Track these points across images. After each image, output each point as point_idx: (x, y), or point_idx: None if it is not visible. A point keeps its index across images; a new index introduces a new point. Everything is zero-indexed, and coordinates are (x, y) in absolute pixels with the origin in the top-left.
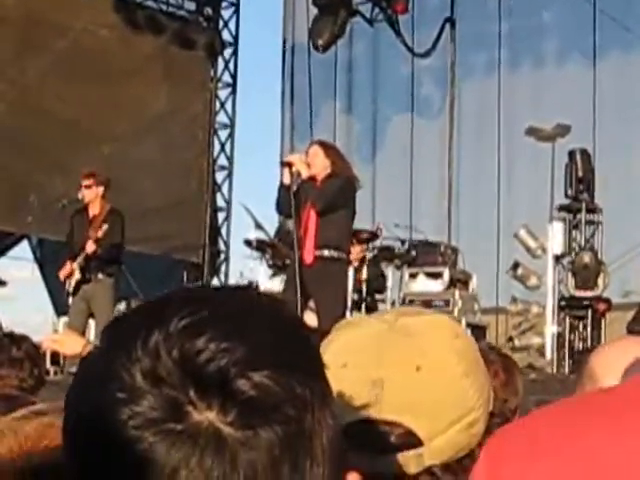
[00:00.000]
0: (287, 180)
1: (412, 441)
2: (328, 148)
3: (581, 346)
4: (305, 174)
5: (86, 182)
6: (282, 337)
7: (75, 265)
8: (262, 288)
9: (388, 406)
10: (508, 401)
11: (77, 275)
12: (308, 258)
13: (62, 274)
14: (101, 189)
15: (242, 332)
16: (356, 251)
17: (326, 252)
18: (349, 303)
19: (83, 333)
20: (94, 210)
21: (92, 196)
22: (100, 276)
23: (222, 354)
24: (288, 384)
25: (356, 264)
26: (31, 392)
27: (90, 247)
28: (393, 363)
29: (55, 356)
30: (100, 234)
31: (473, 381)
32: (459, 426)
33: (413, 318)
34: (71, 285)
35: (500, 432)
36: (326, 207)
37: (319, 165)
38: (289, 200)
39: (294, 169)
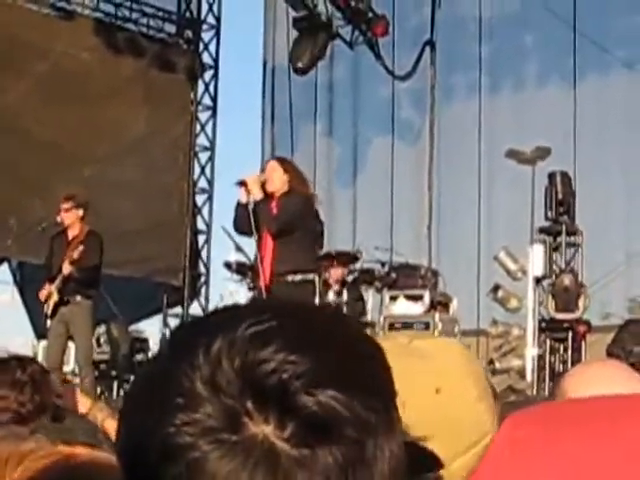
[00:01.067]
0: (243, 199)
1: (433, 464)
2: (286, 164)
3: (561, 368)
4: (258, 196)
5: (65, 205)
6: (353, 357)
7: (53, 287)
8: None
9: (410, 428)
10: None
11: (55, 297)
12: (265, 282)
13: (41, 296)
14: (80, 212)
15: (310, 346)
16: (336, 274)
17: (289, 277)
18: None
19: (62, 356)
20: (73, 232)
21: (72, 219)
22: (78, 298)
23: (286, 367)
24: (352, 405)
25: (336, 287)
26: (29, 418)
27: (66, 268)
28: (413, 385)
29: None
30: (76, 255)
31: (487, 406)
32: (476, 449)
33: (426, 341)
34: (49, 307)
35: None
36: (280, 230)
37: (276, 181)
38: (247, 218)
39: (250, 187)
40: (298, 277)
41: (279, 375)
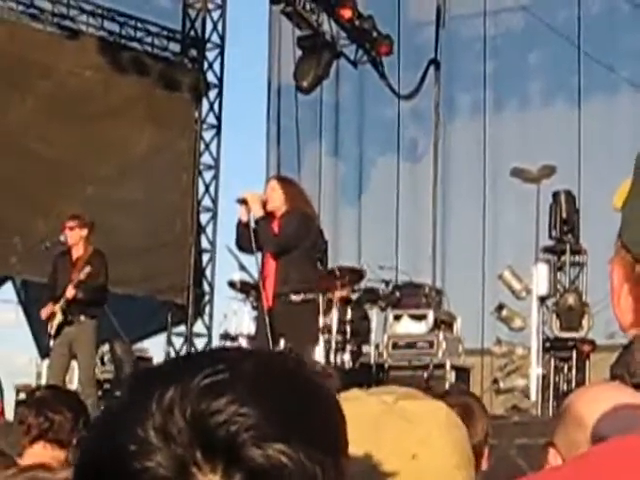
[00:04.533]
0: (244, 217)
1: None
2: (286, 183)
3: (566, 388)
4: (258, 214)
5: (70, 224)
6: (306, 410)
7: (57, 307)
8: (245, 330)
9: None
10: None
11: (59, 317)
12: (268, 302)
13: (44, 314)
14: (85, 231)
15: (262, 399)
16: (340, 293)
17: (291, 297)
18: (321, 344)
19: (65, 376)
20: (77, 252)
21: (76, 238)
22: (82, 318)
23: (236, 419)
24: (299, 458)
25: (340, 306)
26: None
27: (70, 292)
28: (391, 448)
29: None
30: (82, 276)
31: (465, 474)
32: None
33: (412, 403)
34: (53, 327)
35: None
36: (281, 250)
37: (277, 200)
38: (248, 236)
39: (251, 205)
40: (299, 297)
41: (228, 427)
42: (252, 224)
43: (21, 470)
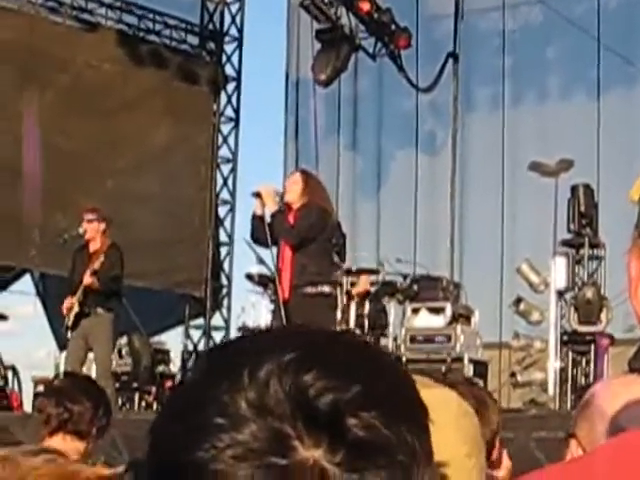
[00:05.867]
0: (259, 211)
1: None
2: (308, 178)
3: (584, 381)
4: (272, 208)
5: (89, 217)
6: (395, 386)
7: (74, 299)
8: (263, 323)
9: None
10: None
11: (76, 309)
12: (285, 294)
13: (64, 308)
14: (102, 225)
15: (354, 373)
16: (359, 286)
17: (308, 289)
18: None
19: (81, 368)
20: (95, 246)
21: (94, 231)
22: (99, 310)
23: (335, 390)
24: (399, 430)
25: (358, 299)
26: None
27: (87, 279)
28: None
29: None
30: (97, 265)
31: (475, 462)
32: None
33: (423, 391)
34: (70, 319)
35: None
36: (297, 241)
37: (295, 193)
38: (263, 230)
39: (266, 199)
40: (315, 289)
41: (329, 398)
42: (267, 218)
43: (42, 450)
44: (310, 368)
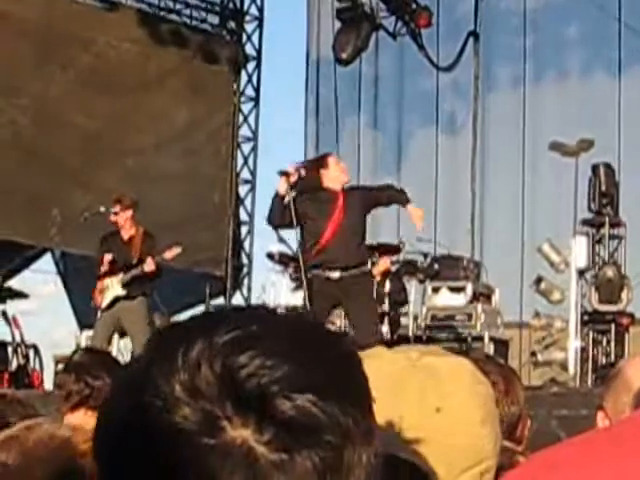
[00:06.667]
0: (282, 190)
1: None
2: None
3: (604, 361)
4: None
5: (115, 209)
6: (332, 364)
7: (116, 280)
8: (284, 302)
9: (405, 444)
10: (510, 411)
11: (117, 291)
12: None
13: (98, 289)
14: (130, 212)
15: (289, 352)
16: (379, 265)
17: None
18: None
19: (107, 347)
20: (128, 233)
21: (122, 221)
22: (139, 294)
23: (264, 371)
24: (331, 410)
25: (379, 278)
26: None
27: (150, 266)
28: (413, 402)
29: None
30: (168, 256)
31: (489, 430)
32: (471, 473)
33: (437, 358)
34: (105, 299)
35: None
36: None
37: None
38: (281, 210)
39: (292, 179)
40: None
41: (258, 379)
42: (291, 195)
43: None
44: (243, 348)
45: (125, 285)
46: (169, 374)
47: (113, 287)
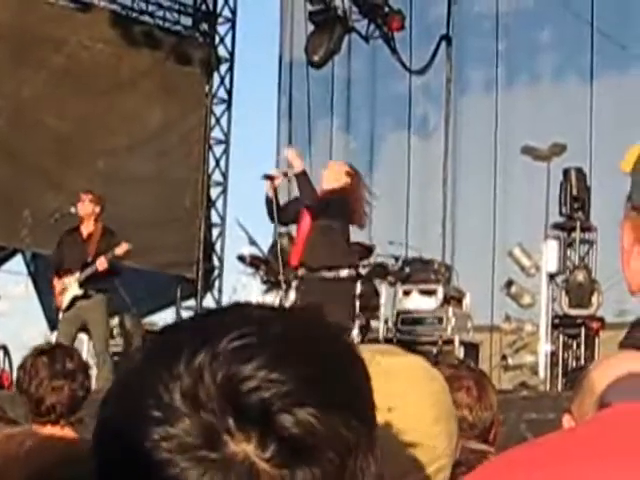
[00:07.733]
0: (270, 193)
1: None
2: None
3: (574, 364)
4: (299, 168)
5: (84, 197)
6: (336, 371)
7: (72, 280)
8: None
9: None
10: (483, 416)
11: (75, 290)
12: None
13: (58, 289)
14: (98, 208)
15: (293, 362)
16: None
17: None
18: None
19: (72, 345)
20: (88, 229)
21: (88, 211)
22: (97, 292)
23: (268, 384)
24: (333, 425)
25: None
26: (80, 403)
27: (103, 264)
28: None
29: None
30: (119, 252)
31: (443, 428)
32: (421, 474)
33: (390, 358)
34: (64, 300)
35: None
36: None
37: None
38: (272, 211)
39: (276, 182)
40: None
41: (261, 393)
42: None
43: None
44: (246, 359)
45: (82, 284)
46: (170, 382)
47: (71, 287)
